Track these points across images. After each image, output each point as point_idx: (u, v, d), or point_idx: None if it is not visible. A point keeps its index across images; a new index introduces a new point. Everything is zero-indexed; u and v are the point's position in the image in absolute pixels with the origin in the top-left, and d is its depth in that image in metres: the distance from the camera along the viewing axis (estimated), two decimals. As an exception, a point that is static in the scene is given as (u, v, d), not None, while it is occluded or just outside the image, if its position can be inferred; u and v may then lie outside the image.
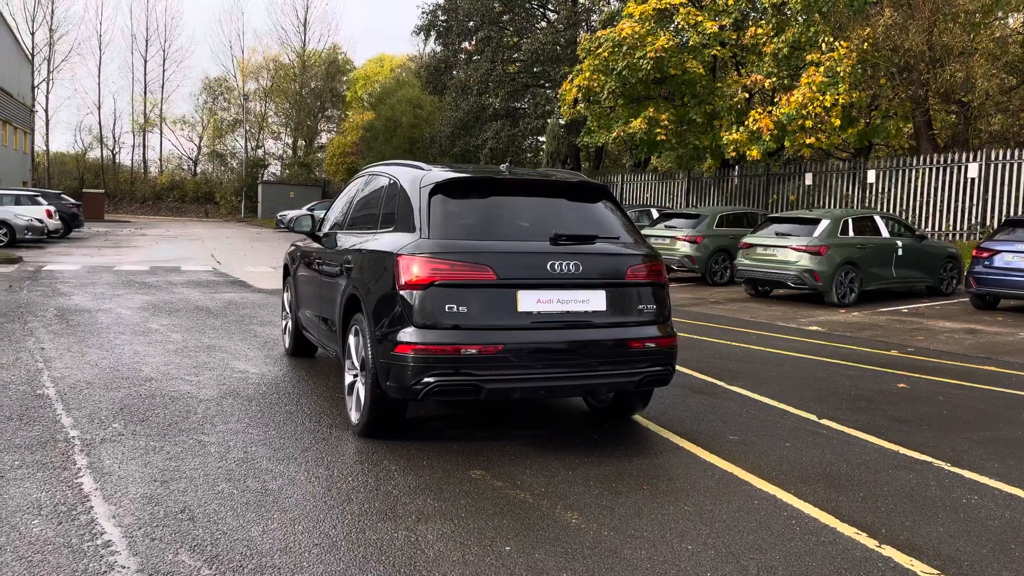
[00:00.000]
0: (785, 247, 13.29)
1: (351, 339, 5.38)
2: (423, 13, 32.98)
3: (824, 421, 5.98)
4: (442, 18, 32.82)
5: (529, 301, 4.75)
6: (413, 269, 4.68)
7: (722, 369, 7.84)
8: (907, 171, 20.10)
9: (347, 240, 6.02)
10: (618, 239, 5.18)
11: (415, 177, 5.27)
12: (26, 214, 23.67)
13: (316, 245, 6.87)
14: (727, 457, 5.02)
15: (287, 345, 7.95)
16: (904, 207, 20.00)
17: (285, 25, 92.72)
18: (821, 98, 19.13)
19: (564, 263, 4.81)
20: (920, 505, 4.29)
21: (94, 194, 47.97)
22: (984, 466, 4.98)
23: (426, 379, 4.59)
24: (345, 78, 60.07)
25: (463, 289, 4.65)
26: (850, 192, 21.40)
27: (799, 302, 13.87)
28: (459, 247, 4.74)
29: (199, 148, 65.37)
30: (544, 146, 26.55)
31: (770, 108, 20.22)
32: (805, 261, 12.99)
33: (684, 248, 16.33)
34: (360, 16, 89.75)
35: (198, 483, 4.27)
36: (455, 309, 4.62)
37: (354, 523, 3.81)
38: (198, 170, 65.17)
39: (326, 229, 6.84)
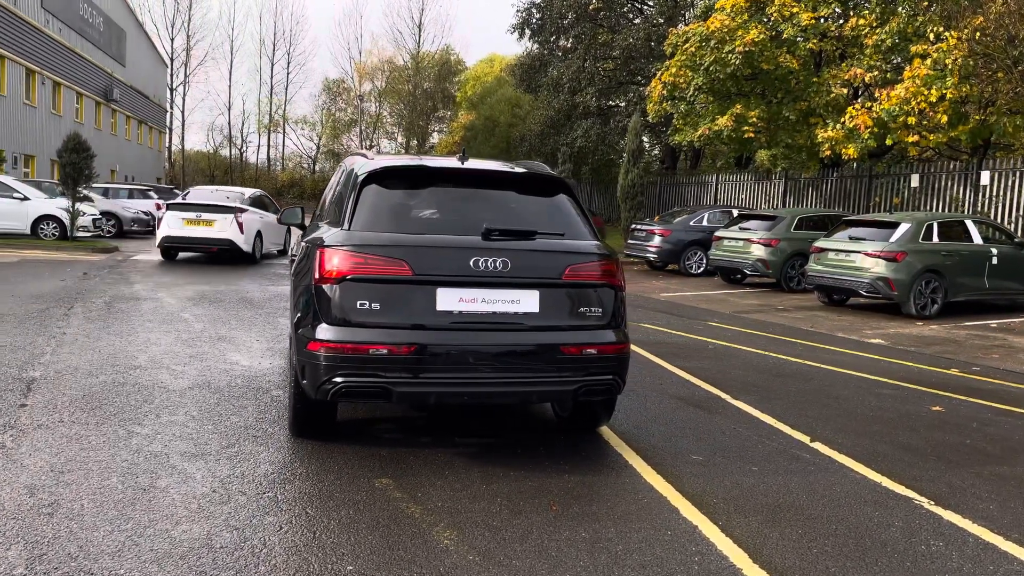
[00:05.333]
0: (859, 252, 12.26)
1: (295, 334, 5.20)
2: (517, 12, 32.85)
3: (815, 444, 5.34)
4: (536, 16, 32.50)
5: (450, 300, 4.41)
6: (331, 262, 4.43)
7: (737, 381, 7.21)
8: (1026, 172, 18.28)
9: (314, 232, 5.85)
10: (563, 235, 4.74)
11: (358, 167, 5.03)
12: (134, 207, 25.03)
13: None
14: (673, 480, 4.52)
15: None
16: (1022, 212, 18.20)
17: (400, 28, 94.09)
18: (926, 92, 17.65)
19: (491, 260, 4.44)
20: (864, 549, 3.68)
21: (219, 191, 50.46)
22: (976, 507, 4.28)
23: (335, 379, 4.33)
24: (456, 79, 60.80)
25: (376, 285, 4.36)
26: (962, 195, 19.68)
27: (874, 313, 12.79)
28: (375, 240, 4.46)
29: (318, 147, 67.86)
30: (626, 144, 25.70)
31: (869, 104, 18.83)
32: (880, 268, 11.93)
33: (757, 251, 15.36)
34: (474, 16, 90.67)
35: (91, 476, 4.17)
36: (367, 306, 4.34)
37: (211, 529, 3.60)
38: (316, 168, 67.63)
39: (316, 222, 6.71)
